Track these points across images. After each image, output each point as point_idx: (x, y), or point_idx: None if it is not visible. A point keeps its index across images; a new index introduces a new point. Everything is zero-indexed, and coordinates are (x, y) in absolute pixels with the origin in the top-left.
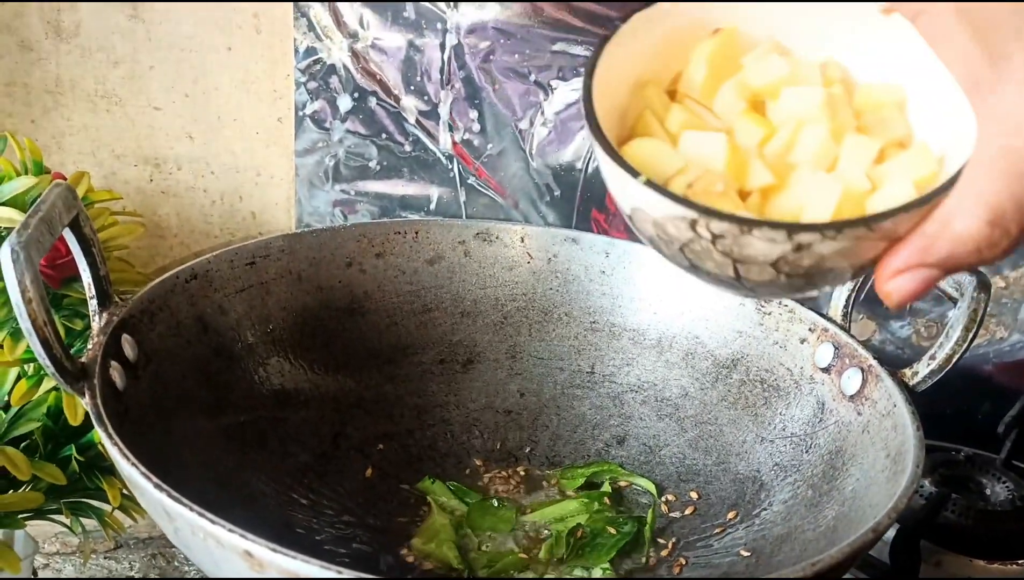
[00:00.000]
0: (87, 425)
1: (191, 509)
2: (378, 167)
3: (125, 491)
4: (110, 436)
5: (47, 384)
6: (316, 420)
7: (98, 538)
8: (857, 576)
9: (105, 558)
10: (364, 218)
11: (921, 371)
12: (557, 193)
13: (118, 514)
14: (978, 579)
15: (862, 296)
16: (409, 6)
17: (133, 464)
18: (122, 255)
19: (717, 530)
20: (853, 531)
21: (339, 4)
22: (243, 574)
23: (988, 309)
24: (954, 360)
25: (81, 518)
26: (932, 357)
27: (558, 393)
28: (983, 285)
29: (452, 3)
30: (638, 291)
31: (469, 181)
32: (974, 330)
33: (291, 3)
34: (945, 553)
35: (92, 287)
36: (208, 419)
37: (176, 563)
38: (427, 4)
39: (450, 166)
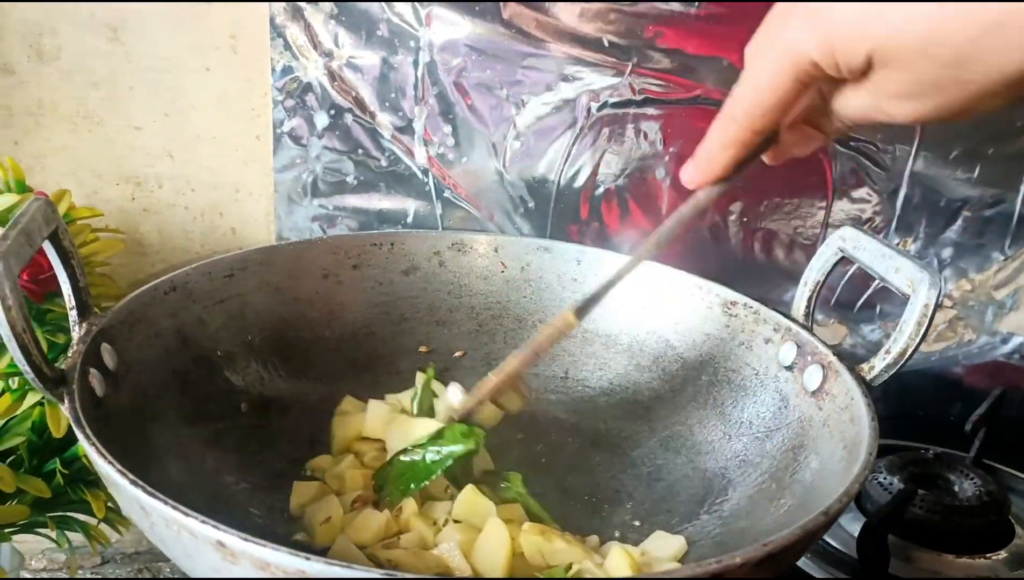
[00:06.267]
0: (71, 439)
1: (165, 502)
2: (355, 182)
3: (110, 503)
4: (87, 437)
5: (31, 398)
6: (294, 427)
7: (85, 553)
8: (833, 576)
9: (92, 573)
10: (343, 232)
11: (877, 366)
12: (531, 205)
13: (104, 527)
14: (947, 574)
15: (833, 299)
16: (382, 26)
17: (109, 462)
18: (105, 271)
19: (686, 526)
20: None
21: (314, 25)
22: (218, 566)
23: (956, 313)
24: (908, 354)
25: (67, 532)
26: (887, 351)
27: (532, 399)
28: (934, 282)
29: (424, 17)
30: (609, 297)
31: (445, 194)
32: (926, 324)
33: (267, 24)
34: (915, 548)
35: (72, 298)
36: (188, 426)
37: (162, 577)
38: (400, 24)
39: (426, 180)
